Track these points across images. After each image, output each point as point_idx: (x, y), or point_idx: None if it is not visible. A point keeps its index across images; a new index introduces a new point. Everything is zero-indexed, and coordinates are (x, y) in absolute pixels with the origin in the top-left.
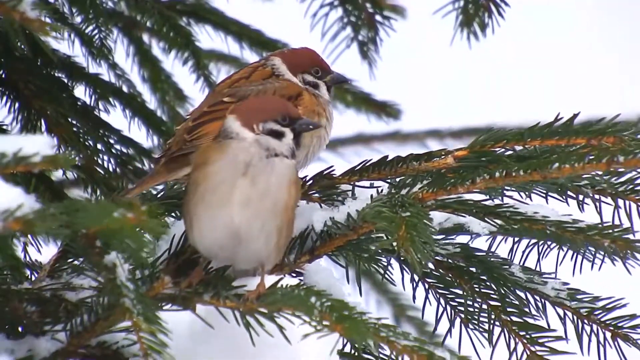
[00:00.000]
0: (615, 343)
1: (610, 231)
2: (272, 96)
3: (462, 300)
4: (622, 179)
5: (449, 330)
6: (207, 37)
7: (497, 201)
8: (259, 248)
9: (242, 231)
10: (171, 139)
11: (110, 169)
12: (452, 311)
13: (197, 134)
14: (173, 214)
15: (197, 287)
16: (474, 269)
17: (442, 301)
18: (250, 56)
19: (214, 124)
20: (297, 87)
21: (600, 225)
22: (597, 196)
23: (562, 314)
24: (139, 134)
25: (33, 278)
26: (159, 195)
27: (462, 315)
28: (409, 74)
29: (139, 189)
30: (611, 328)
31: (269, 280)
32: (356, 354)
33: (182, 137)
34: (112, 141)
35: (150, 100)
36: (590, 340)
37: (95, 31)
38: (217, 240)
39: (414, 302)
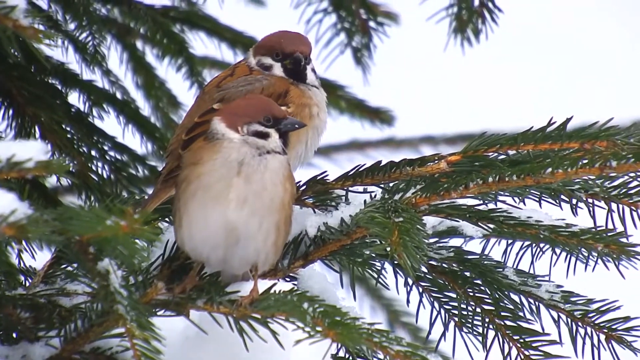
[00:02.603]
0: (610, 345)
1: (604, 235)
2: (257, 95)
3: (456, 304)
4: (615, 183)
5: (443, 334)
6: (200, 44)
7: (490, 206)
8: (257, 247)
9: (240, 229)
10: (168, 151)
11: (105, 176)
12: (446, 315)
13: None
14: (167, 219)
15: (191, 293)
16: (467, 273)
17: (436, 305)
18: None
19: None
20: (283, 83)
21: (593, 229)
22: (590, 200)
23: (556, 316)
24: (133, 140)
25: (27, 284)
26: (148, 196)
27: (456, 319)
28: (403, 80)
29: None
30: (605, 330)
31: (262, 285)
32: (350, 358)
33: (177, 152)
34: (106, 148)
35: (144, 107)
36: (584, 343)
37: (89, 38)
38: (209, 239)
39: (408, 305)
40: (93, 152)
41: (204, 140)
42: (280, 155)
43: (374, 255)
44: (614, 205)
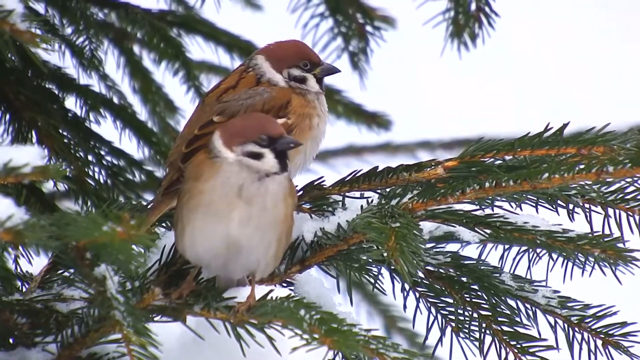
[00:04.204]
0: (606, 351)
1: (601, 240)
2: (255, 114)
3: (453, 309)
4: (612, 188)
5: (440, 340)
6: (197, 48)
7: (487, 211)
8: (258, 257)
9: (243, 243)
10: (168, 161)
11: (101, 181)
12: (443, 320)
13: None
14: (164, 225)
15: (188, 299)
16: (464, 279)
17: (432, 310)
18: None
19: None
20: (284, 94)
21: (590, 235)
22: (587, 205)
23: (553, 322)
24: (130, 145)
25: (24, 289)
26: (149, 206)
27: (453, 324)
28: (400, 84)
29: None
30: (602, 336)
31: (259, 291)
32: None
33: (177, 164)
34: (102, 152)
35: (141, 112)
36: (581, 349)
37: (86, 42)
38: (212, 249)
39: (405, 311)
40: (90, 157)
41: (205, 153)
42: (278, 175)
43: (370, 260)
44: (610, 211)
